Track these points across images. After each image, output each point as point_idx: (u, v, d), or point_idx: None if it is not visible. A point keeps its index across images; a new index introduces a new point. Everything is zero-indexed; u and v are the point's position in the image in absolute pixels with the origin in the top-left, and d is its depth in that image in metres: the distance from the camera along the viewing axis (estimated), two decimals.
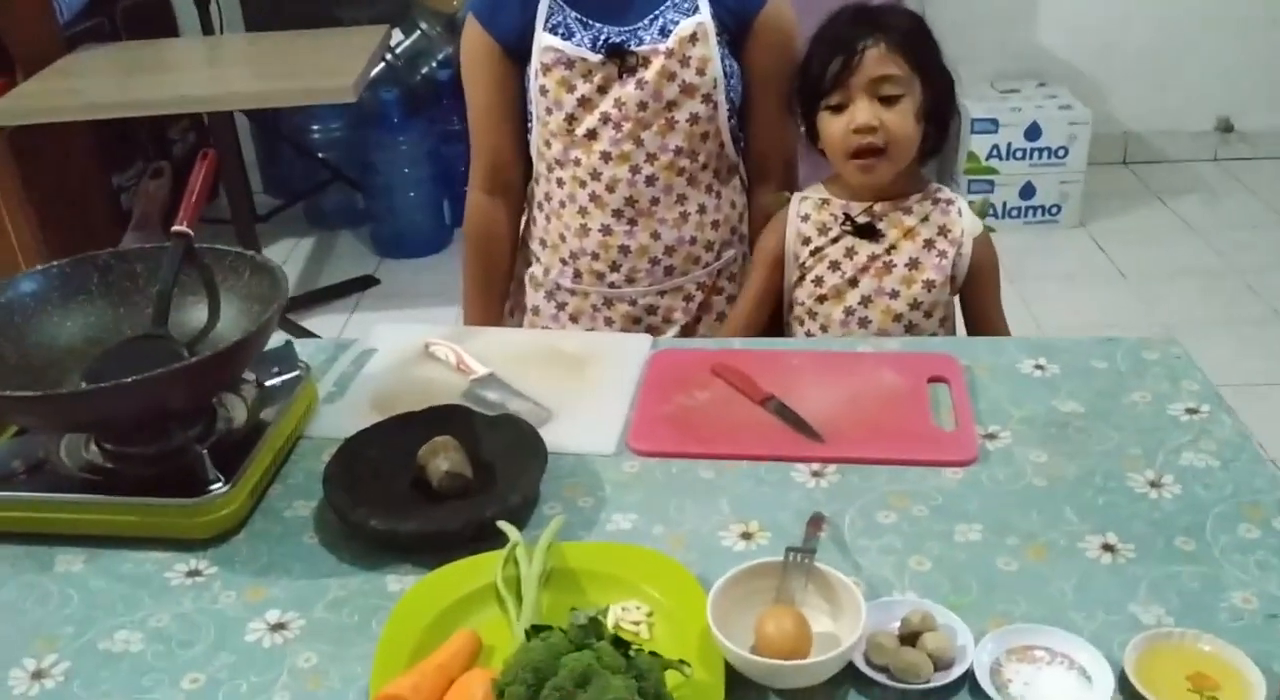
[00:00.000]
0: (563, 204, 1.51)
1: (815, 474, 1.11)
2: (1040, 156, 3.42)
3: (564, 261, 1.54)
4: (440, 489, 1.06)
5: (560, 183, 1.50)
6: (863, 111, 1.39)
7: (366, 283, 3.32)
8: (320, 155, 3.59)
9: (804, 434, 1.16)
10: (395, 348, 1.36)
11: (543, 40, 1.43)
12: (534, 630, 0.83)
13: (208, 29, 3.34)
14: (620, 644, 0.81)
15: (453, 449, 1.07)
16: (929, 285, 1.43)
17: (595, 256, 1.51)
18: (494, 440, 1.12)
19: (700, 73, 1.42)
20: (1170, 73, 3.75)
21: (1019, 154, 3.42)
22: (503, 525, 1.00)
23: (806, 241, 1.48)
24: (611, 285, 1.52)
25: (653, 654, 0.82)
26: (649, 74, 1.41)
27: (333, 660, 0.92)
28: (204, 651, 0.94)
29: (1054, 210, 3.48)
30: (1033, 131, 3.39)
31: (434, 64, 3.56)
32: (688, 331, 1.56)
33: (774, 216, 1.51)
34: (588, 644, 0.80)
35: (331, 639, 0.94)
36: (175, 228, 1.20)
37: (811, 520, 1.03)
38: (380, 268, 3.44)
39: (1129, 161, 3.89)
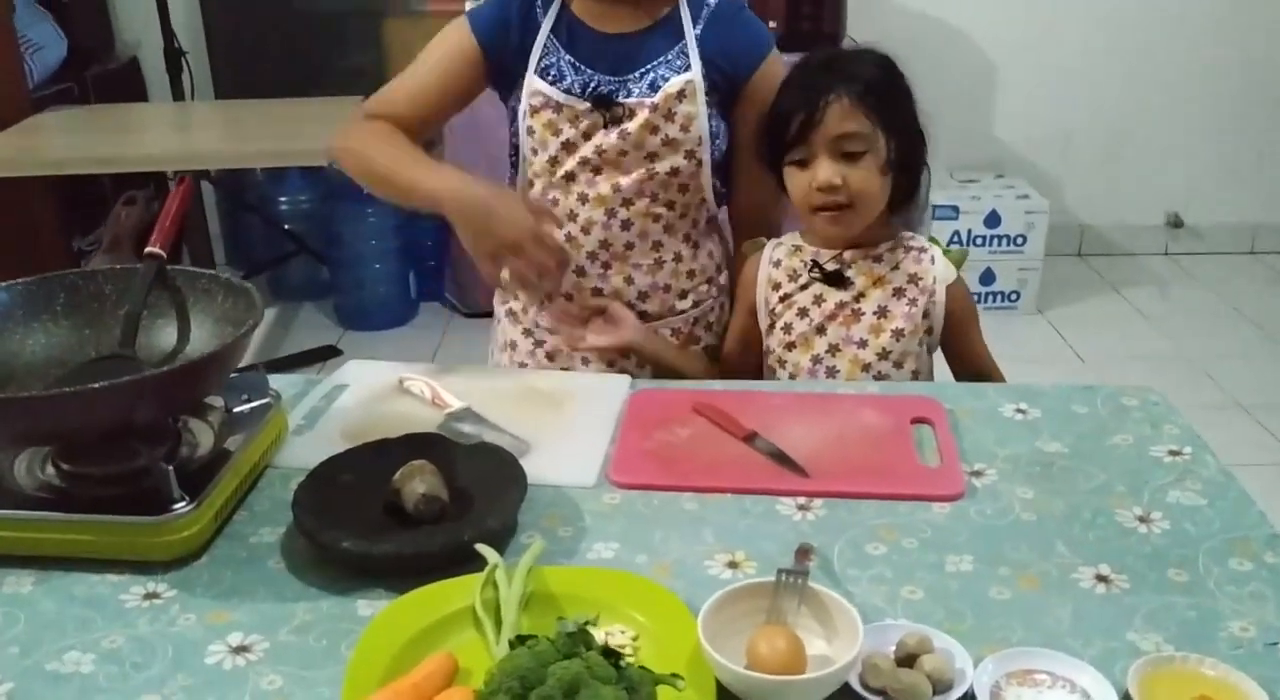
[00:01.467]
0: None
1: (801, 507, 1.09)
2: (1000, 243, 3.49)
3: (541, 301, 1.52)
4: (415, 513, 1.02)
5: None
6: (824, 170, 1.37)
7: (328, 353, 3.28)
8: (286, 227, 3.58)
9: (789, 469, 1.14)
10: (368, 383, 1.33)
11: (533, 83, 1.43)
12: (519, 640, 0.79)
13: (178, 96, 3.35)
14: (610, 655, 0.77)
15: (429, 473, 1.04)
16: (898, 334, 1.43)
17: (569, 298, 1.50)
18: (471, 467, 1.09)
19: (685, 129, 1.43)
20: (1122, 169, 3.87)
21: (979, 241, 3.49)
22: (480, 548, 0.96)
23: (776, 287, 1.47)
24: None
25: (642, 668, 0.78)
26: (632, 126, 1.41)
27: (298, 683, 0.87)
28: (160, 673, 0.88)
29: (1013, 296, 3.54)
30: (992, 219, 3.47)
31: None
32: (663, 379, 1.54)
33: (749, 260, 1.51)
34: (576, 653, 0.76)
35: (298, 662, 0.89)
36: (149, 249, 1.17)
37: (800, 550, 1.00)
38: (343, 339, 3.40)
39: (1084, 253, 3.98)
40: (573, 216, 1.46)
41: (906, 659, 0.85)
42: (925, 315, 1.44)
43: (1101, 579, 0.97)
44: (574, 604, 0.92)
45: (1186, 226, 3.93)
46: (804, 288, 1.46)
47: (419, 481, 1.03)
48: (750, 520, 1.07)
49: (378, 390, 1.31)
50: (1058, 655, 0.85)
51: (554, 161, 1.45)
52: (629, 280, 1.49)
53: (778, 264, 1.48)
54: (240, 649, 0.90)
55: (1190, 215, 3.92)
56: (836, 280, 1.44)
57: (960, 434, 1.21)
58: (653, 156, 1.43)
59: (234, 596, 0.97)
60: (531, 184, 1.49)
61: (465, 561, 0.97)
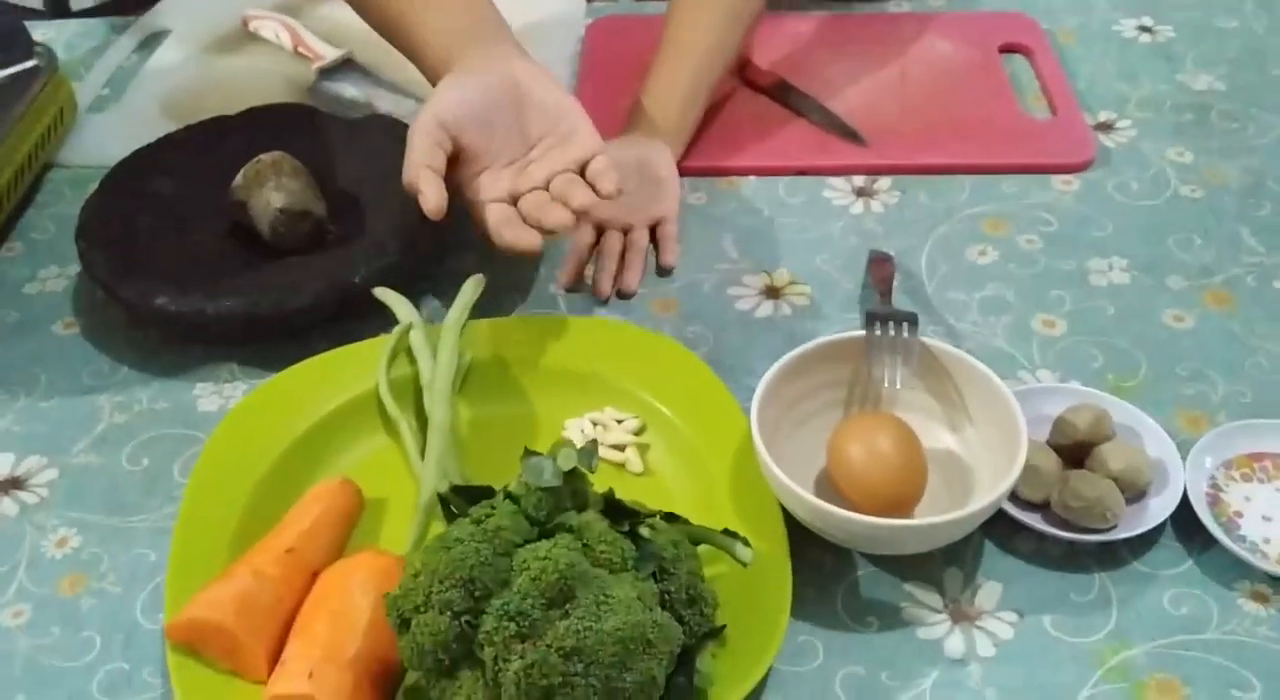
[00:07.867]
0: None
1: (861, 192, 0.73)
2: None
3: None
4: (272, 237, 0.65)
5: None
6: None
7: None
8: None
9: (835, 133, 0.77)
10: (197, 28, 0.90)
11: None
12: (457, 495, 0.45)
13: None
14: (620, 513, 0.44)
15: (289, 173, 0.66)
16: None
17: None
18: (358, 158, 0.71)
19: None
20: None
21: None
22: (382, 294, 0.61)
23: None
24: None
25: (671, 517, 0.46)
26: None
27: (107, 541, 0.54)
28: None
29: None
30: None
31: None
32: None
33: None
34: (563, 523, 0.43)
35: (105, 503, 0.56)
36: None
37: (873, 263, 0.66)
38: None
39: None
40: None
41: (1074, 449, 0.54)
42: None
43: None
44: (540, 379, 0.59)
45: None
46: None
47: (274, 188, 0.65)
48: (790, 218, 0.72)
49: (214, 39, 0.89)
50: None
51: None
52: None
53: None
54: (8, 484, 0.57)
55: None
56: None
57: (1070, 67, 0.84)
58: None
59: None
60: None
61: (360, 316, 0.62)
